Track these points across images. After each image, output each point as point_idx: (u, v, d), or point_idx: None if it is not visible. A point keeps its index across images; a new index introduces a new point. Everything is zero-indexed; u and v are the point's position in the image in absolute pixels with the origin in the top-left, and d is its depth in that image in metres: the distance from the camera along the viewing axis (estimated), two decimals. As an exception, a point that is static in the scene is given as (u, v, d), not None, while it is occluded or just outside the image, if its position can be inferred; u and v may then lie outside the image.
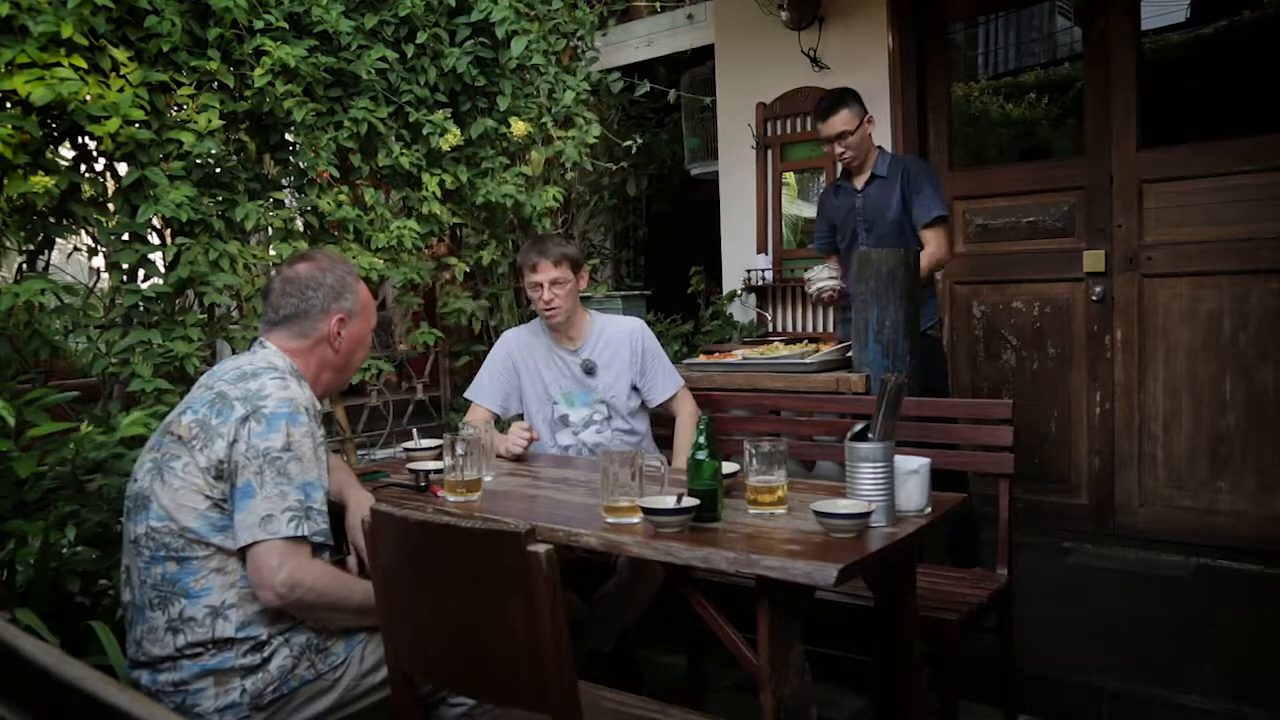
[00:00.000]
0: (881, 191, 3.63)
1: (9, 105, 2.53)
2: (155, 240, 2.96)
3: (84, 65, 2.55)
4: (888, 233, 3.60)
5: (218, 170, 3.03)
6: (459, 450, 2.35)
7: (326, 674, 1.95)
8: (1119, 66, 4.06)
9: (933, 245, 3.56)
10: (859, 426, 2.05)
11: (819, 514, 1.91)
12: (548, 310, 2.98)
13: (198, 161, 2.91)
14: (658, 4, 5.74)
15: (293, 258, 2.22)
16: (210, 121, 2.82)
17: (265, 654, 1.90)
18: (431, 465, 2.59)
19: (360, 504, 2.19)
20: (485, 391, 3.09)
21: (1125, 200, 4.07)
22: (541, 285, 2.95)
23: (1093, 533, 4.16)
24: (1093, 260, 4.13)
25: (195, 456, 1.91)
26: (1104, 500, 4.17)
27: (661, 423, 3.19)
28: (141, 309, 2.87)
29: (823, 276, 3.67)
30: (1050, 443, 4.30)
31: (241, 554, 1.89)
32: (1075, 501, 4.27)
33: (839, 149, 3.61)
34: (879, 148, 3.72)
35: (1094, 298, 4.16)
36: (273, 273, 2.41)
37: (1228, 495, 3.89)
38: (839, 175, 3.85)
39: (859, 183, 3.71)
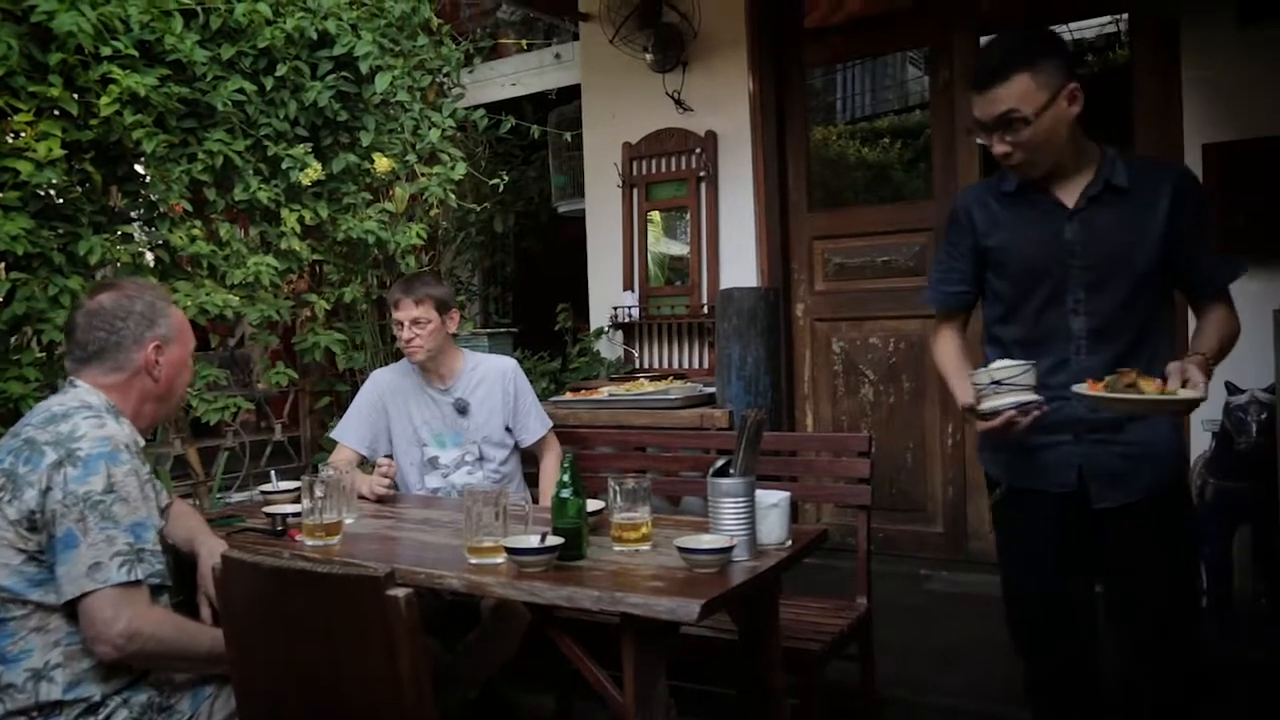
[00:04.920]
0: (1121, 216, 2.01)
1: None
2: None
3: (-91, 89, 2.41)
4: (1126, 290, 2.01)
5: (59, 201, 2.89)
6: (318, 492, 2.28)
7: None
8: (964, 115, 4.29)
9: (1225, 321, 2.04)
10: (720, 462, 2.09)
11: (682, 550, 1.94)
12: (408, 348, 2.97)
13: (37, 192, 2.77)
14: (525, 43, 5.78)
15: (93, 289, 2.10)
16: (51, 150, 2.69)
17: (101, 716, 1.79)
18: (289, 508, 2.51)
19: (212, 553, 2.09)
20: (352, 431, 3.04)
21: (971, 241, 4.28)
22: (402, 323, 2.96)
23: (948, 560, 4.32)
24: (943, 298, 4.31)
25: (4, 509, 1.80)
26: (958, 527, 4.34)
27: (531, 461, 3.18)
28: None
29: (1000, 388, 1.94)
30: (907, 473, 4.46)
31: (67, 608, 1.79)
32: (931, 530, 4.43)
33: (998, 147, 1.99)
34: (1098, 144, 2.06)
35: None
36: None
37: (1069, 521, 4.09)
38: (1001, 175, 2.13)
39: (1066, 195, 2.04)
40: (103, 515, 1.80)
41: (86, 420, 1.88)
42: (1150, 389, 1.82)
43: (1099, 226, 2.00)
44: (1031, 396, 1.91)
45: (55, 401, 1.96)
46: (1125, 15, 4.21)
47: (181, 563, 2.14)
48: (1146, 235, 1.99)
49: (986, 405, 1.94)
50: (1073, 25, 5.22)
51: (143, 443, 2.03)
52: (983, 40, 4.39)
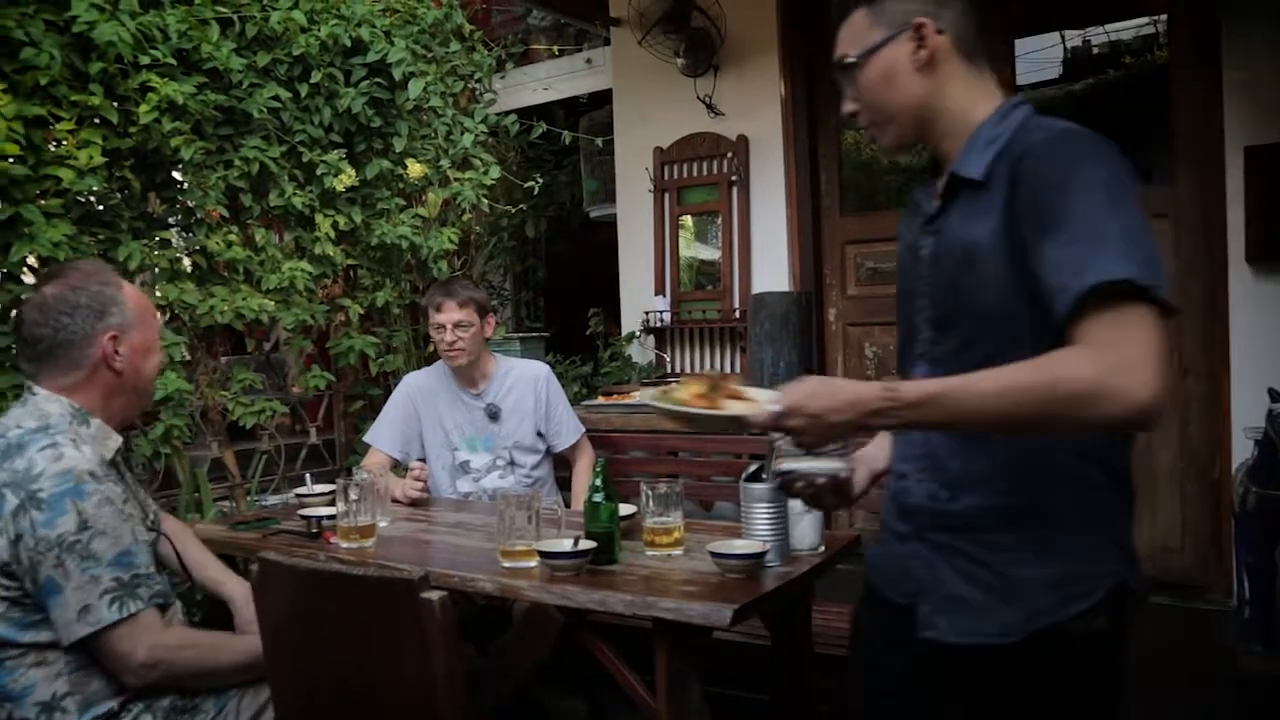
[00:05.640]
0: (965, 223, 1.36)
1: None
2: (31, 280, 2.84)
3: (-46, 98, 2.45)
4: (968, 331, 1.35)
5: (100, 208, 2.93)
6: (352, 495, 2.30)
7: None
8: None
9: (1036, 366, 1.19)
10: (753, 467, 2.08)
11: (714, 555, 1.93)
12: (450, 352, 2.96)
13: (78, 199, 2.81)
14: (556, 48, 5.80)
15: (41, 279, 1.95)
16: (92, 158, 2.73)
17: None
18: (324, 511, 2.53)
19: (247, 600, 1.99)
20: (384, 435, 3.06)
21: (1006, 245, 4.24)
22: (445, 327, 2.95)
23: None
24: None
25: None
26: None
27: (562, 464, 3.19)
28: (14, 352, 2.74)
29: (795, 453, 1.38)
30: (940, 479, 4.41)
31: (74, 648, 1.73)
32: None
33: (844, 105, 1.51)
34: (1014, 106, 1.42)
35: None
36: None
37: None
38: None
39: (936, 197, 1.44)
40: (81, 556, 1.69)
41: (41, 453, 1.73)
42: (684, 396, 1.39)
43: (947, 238, 1.37)
44: (788, 465, 1.39)
45: (12, 422, 1.82)
46: (1164, 17, 4.15)
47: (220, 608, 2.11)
48: (979, 249, 1.31)
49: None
50: (1110, 27, 5.17)
51: (115, 445, 1.90)
52: (1017, 44, 4.35)
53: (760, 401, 1.37)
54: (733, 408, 1.37)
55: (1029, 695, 1.33)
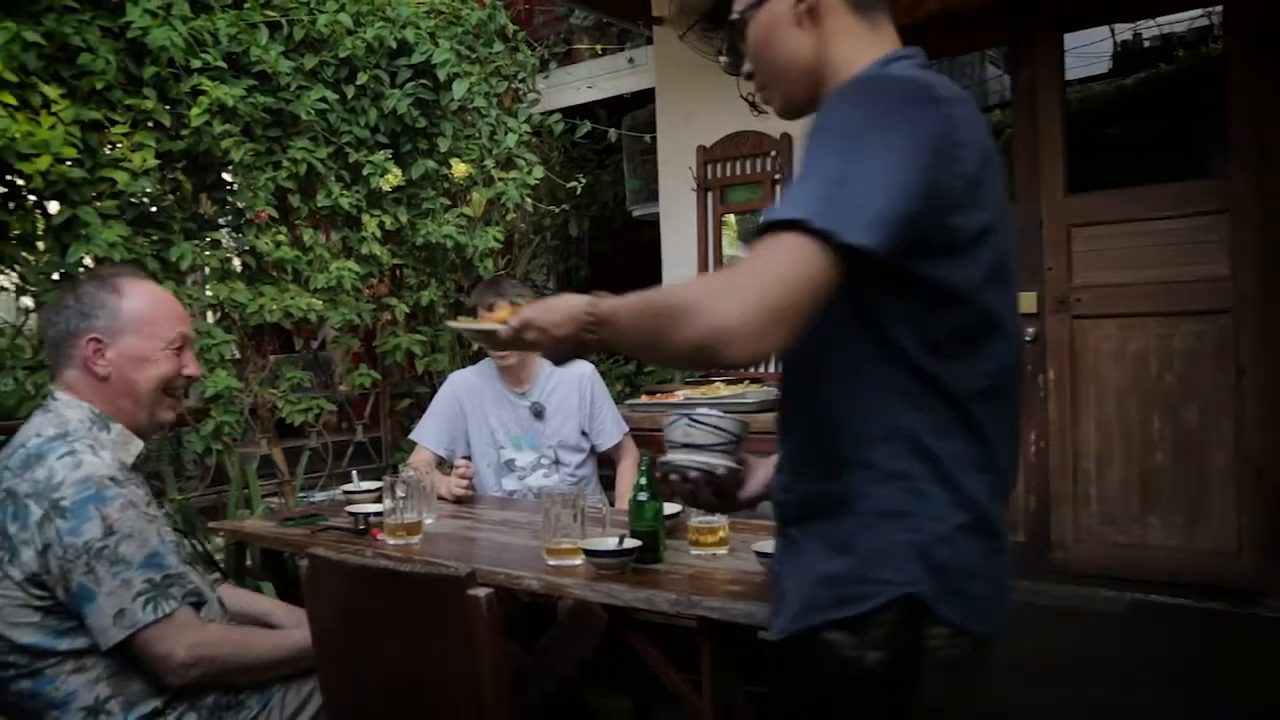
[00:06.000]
0: None
1: (-65, 142, 2.47)
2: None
3: (13, 102, 2.51)
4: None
5: (153, 209, 2.99)
6: (399, 492, 2.32)
7: None
8: (1046, 114, 4.19)
9: (691, 282, 1.16)
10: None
11: (760, 554, 1.92)
12: (504, 351, 2.97)
13: (132, 200, 2.87)
14: (599, 47, 5.81)
15: None
16: (145, 160, 2.78)
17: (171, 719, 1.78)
18: (371, 508, 2.56)
19: (290, 620, 2.05)
20: (430, 433, 3.08)
21: (1055, 244, 4.19)
22: None
23: (1030, 570, 4.21)
24: (1026, 302, 4.23)
25: (7, 570, 1.70)
26: (1040, 538, 4.23)
27: (606, 464, 3.19)
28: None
29: (685, 441, 1.56)
30: (987, 480, 4.35)
31: (112, 651, 1.73)
32: (1012, 539, 4.30)
33: (744, 65, 1.49)
34: (899, 57, 1.29)
35: (1027, 339, 4.25)
36: None
37: (1158, 531, 3.98)
38: None
39: None
40: (111, 561, 1.69)
41: (60, 460, 1.72)
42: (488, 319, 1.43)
43: None
44: (667, 457, 1.55)
45: (32, 431, 1.80)
46: (1219, 8, 4.06)
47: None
48: None
49: None
50: (1161, 19, 5.08)
51: (136, 450, 1.89)
52: (1066, 38, 4.28)
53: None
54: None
55: (796, 705, 1.20)
